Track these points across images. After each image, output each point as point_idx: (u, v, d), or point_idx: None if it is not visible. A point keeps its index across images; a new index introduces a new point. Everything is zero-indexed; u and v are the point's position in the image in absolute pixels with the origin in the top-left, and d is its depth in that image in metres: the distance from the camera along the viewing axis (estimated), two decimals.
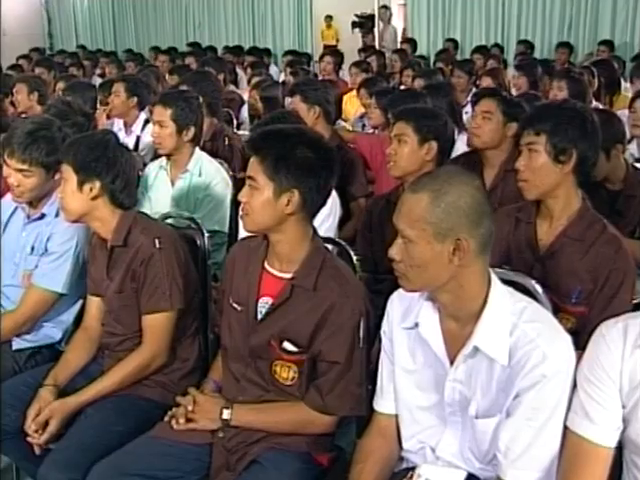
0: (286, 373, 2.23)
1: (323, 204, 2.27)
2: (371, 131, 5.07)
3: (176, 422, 2.30)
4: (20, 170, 2.87)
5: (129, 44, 14.77)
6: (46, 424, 2.44)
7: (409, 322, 1.98)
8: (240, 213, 2.27)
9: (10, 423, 2.56)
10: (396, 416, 2.07)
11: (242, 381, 2.31)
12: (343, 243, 2.58)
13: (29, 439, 2.46)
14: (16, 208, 3.07)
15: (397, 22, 13.95)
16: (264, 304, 2.26)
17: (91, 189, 2.55)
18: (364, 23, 13.13)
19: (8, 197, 3.09)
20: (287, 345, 2.20)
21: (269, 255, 2.29)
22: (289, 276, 2.23)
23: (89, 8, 16.14)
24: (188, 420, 2.29)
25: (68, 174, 2.58)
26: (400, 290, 2.02)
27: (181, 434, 2.29)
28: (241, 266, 2.36)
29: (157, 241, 2.54)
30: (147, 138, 4.75)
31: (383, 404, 2.10)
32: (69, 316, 3.00)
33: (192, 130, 3.68)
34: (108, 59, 10.25)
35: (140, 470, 2.24)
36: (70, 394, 2.54)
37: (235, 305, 2.32)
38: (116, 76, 6.84)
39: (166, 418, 2.35)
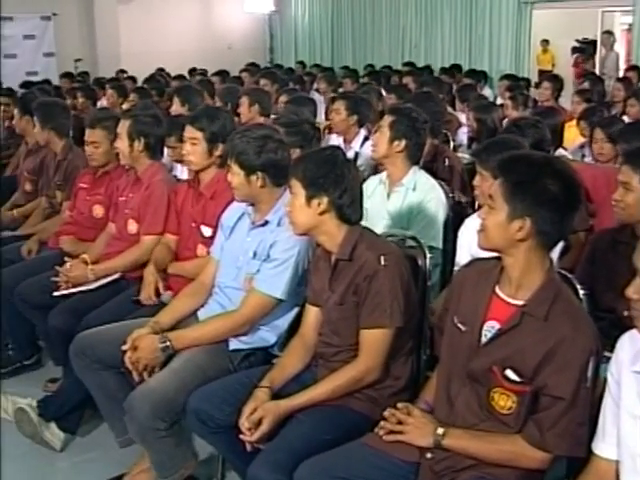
0: (504, 402, 2.18)
1: (562, 237, 2.25)
2: (592, 161, 4.88)
3: (386, 432, 2.33)
4: (229, 166, 3.09)
5: (346, 61, 15.09)
6: (259, 423, 2.53)
7: None
8: (478, 228, 2.28)
9: (224, 418, 2.68)
10: (617, 462, 1.98)
11: (456, 405, 2.29)
12: (570, 276, 2.49)
13: (241, 436, 2.55)
14: (243, 214, 3.21)
15: (619, 48, 13.41)
16: (490, 328, 2.24)
17: (319, 204, 2.62)
18: (585, 49, 12.71)
19: (236, 203, 3.25)
20: (510, 374, 2.16)
21: (501, 279, 2.27)
22: (520, 303, 2.19)
23: (309, 25, 16.67)
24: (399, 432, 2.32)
25: (297, 189, 2.66)
26: (633, 331, 1.93)
27: (390, 446, 2.31)
28: (470, 287, 2.35)
29: (382, 258, 2.56)
30: (366, 154, 4.85)
31: (604, 448, 2.01)
32: (284, 322, 3.10)
33: (403, 142, 3.70)
34: (325, 74, 10.52)
35: (347, 475, 2.28)
36: (282, 397, 2.62)
37: (460, 325, 2.31)
38: (338, 93, 7.01)
39: (376, 429, 2.37)
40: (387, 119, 3.77)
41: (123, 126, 4.00)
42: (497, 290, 2.27)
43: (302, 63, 14.72)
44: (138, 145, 3.99)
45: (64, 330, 3.61)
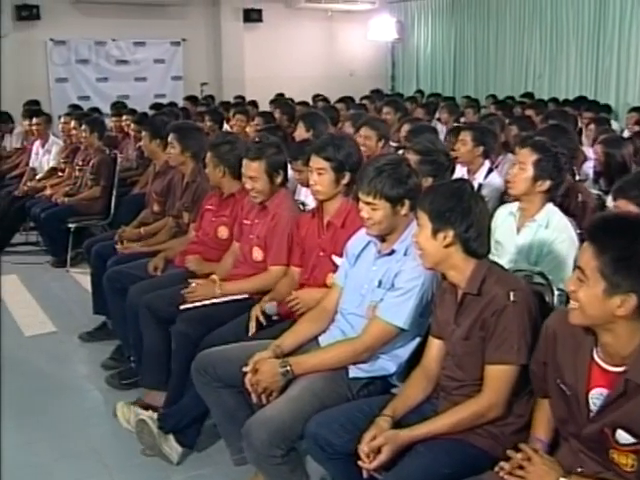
0: (625, 460, 2.12)
1: None
2: None
3: (507, 475, 2.27)
4: (368, 203, 3.02)
5: (467, 90, 15.00)
6: (378, 451, 2.52)
7: None
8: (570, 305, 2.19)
9: (342, 444, 2.68)
10: None
11: (580, 455, 2.23)
12: None
13: (360, 462, 2.54)
14: (369, 242, 3.21)
15: None
16: (598, 395, 2.17)
17: (445, 237, 2.61)
18: None
19: (362, 231, 3.24)
20: (621, 435, 2.10)
21: (598, 347, 2.18)
22: (620, 370, 2.12)
23: (432, 54, 16.68)
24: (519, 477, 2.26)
25: (424, 221, 2.66)
26: None
27: None
28: (565, 344, 2.28)
29: (512, 294, 2.52)
30: (493, 184, 4.81)
31: None
32: (405, 352, 3.07)
33: (547, 183, 3.62)
34: (447, 104, 10.48)
35: None
36: (401, 427, 2.61)
37: (563, 387, 2.26)
38: (459, 123, 6.97)
39: (496, 469, 2.32)
40: (530, 156, 3.63)
41: (258, 168, 3.96)
42: (595, 357, 2.19)
43: (421, 92, 14.73)
44: (277, 177, 4.02)
45: (189, 335, 3.72)
